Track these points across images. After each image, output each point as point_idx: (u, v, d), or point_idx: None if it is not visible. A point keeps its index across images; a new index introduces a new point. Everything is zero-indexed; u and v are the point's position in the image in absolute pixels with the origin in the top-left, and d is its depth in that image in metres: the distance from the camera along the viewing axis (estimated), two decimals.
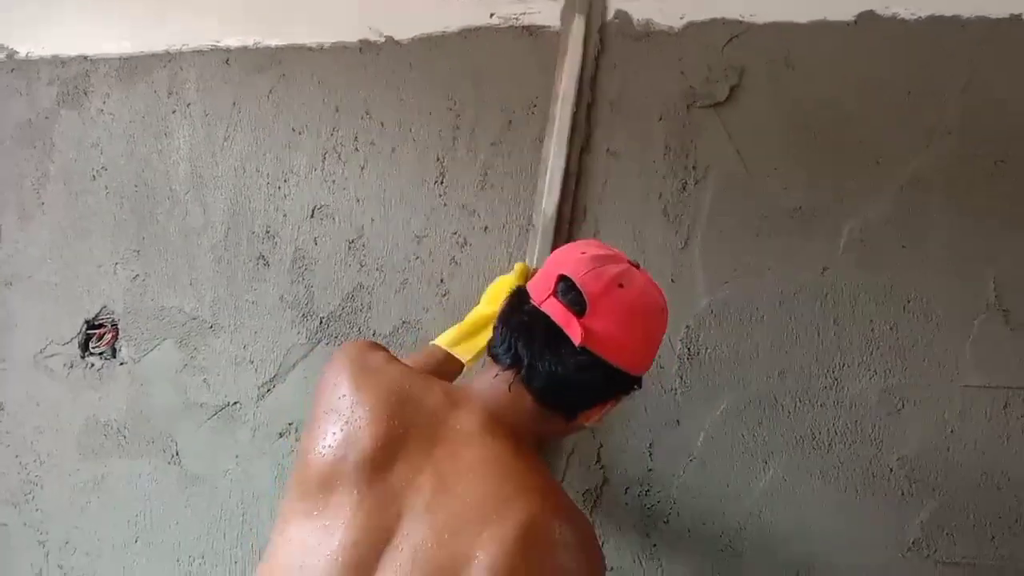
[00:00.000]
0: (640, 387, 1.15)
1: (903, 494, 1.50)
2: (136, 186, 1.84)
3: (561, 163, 1.59)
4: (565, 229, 1.60)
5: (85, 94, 1.89)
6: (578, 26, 1.63)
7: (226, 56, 1.82)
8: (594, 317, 1.04)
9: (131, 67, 1.86)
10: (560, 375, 1.05)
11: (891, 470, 1.50)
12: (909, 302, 1.52)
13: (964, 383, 1.49)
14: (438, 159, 1.71)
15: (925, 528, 1.49)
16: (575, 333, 1.03)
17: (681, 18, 1.63)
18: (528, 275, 1.42)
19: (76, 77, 1.89)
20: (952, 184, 1.51)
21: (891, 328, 1.52)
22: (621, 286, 1.07)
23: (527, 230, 1.63)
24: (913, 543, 1.49)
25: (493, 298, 1.40)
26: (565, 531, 0.99)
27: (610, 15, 1.66)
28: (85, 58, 1.89)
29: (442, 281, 1.68)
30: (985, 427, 1.48)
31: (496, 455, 1.03)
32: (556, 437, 1.21)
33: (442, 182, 1.70)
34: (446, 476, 1.01)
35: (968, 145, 1.51)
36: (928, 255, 1.52)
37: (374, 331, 1.70)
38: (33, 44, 1.92)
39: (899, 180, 1.53)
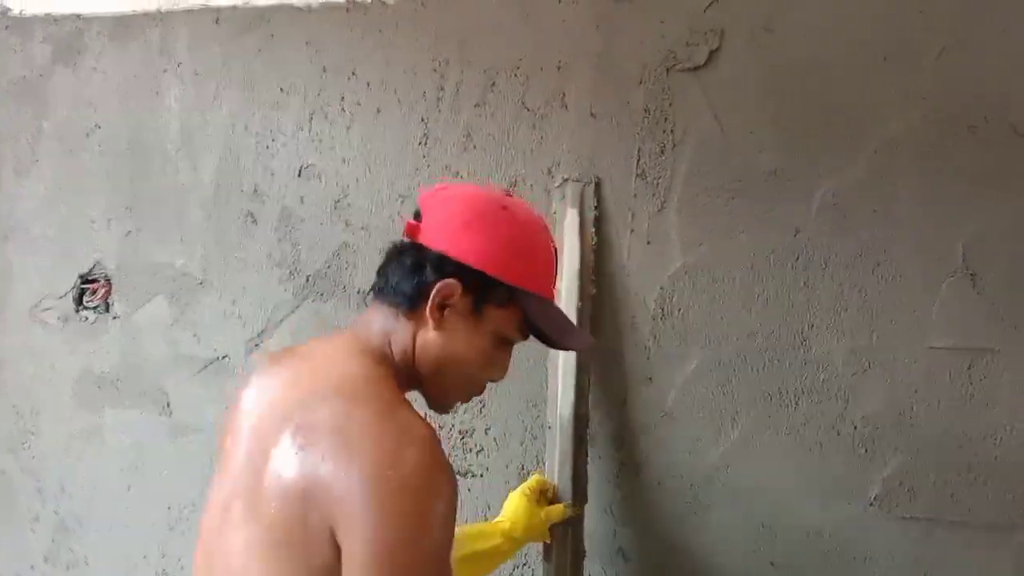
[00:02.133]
0: (500, 286, 1.09)
1: (866, 451, 1.54)
2: (128, 144, 1.88)
3: (573, 358, 1.57)
4: (584, 429, 1.57)
5: (79, 52, 1.91)
6: (572, 218, 1.63)
7: (216, 15, 1.84)
8: (424, 218, 1.12)
9: (123, 26, 1.89)
10: (389, 268, 1.12)
11: (855, 428, 1.55)
12: (879, 265, 1.55)
13: (930, 345, 1.53)
14: (422, 120, 1.74)
15: (887, 484, 1.53)
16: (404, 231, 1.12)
17: None
18: (544, 487, 1.48)
19: (69, 35, 1.92)
20: (924, 149, 1.53)
21: (860, 290, 1.56)
22: (446, 189, 1.16)
23: (543, 430, 1.62)
24: (875, 498, 1.54)
25: (508, 515, 1.41)
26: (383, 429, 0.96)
27: None
28: (78, 16, 1.92)
29: None
30: (948, 388, 1.52)
31: (343, 369, 1.04)
32: (424, 352, 1.10)
33: (426, 143, 1.73)
34: (305, 402, 1.00)
35: (941, 111, 1.53)
36: (899, 219, 1.54)
37: (359, 288, 1.74)
38: (27, 1, 1.94)
39: (872, 144, 1.56)
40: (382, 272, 1.13)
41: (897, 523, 1.53)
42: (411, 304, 1.08)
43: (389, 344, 1.09)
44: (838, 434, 1.55)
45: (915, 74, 1.55)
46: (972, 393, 1.52)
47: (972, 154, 1.52)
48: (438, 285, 1.06)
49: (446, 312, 1.08)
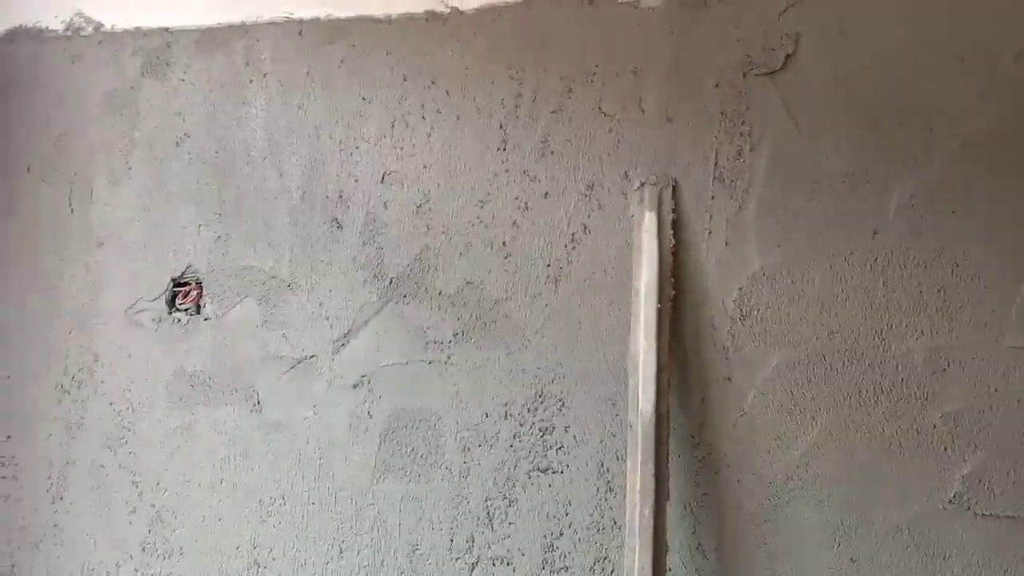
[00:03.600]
0: None
1: (945, 449, 1.56)
2: (216, 152, 1.95)
3: (652, 359, 1.61)
4: (665, 428, 1.61)
5: (167, 64, 1.99)
6: (650, 221, 1.67)
7: (299, 28, 1.91)
8: None
9: (209, 38, 1.97)
10: None
11: (934, 426, 1.57)
12: (957, 266, 1.57)
13: (1008, 344, 1.55)
14: (501, 126, 1.79)
15: (966, 482, 1.56)
16: None
17: None
18: None
19: (158, 48, 2.00)
20: (1000, 150, 1.55)
21: (938, 291, 1.58)
22: None
23: (623, 428, 1.66)
24: (954, 496, 1.56)
25: None
26: None
27: None
28: (166, 30, 2.00)
29: (504, 244, 1.77)
30: None
31: None
32: None
33: (504, 149, 1.78)
34: None
35: (1017, 111, 1.54)
36: (976, 220, 1.56)
37: (440, 290, 1.80)
38: (117, 17, 2.03)
39: (950, 146, 1.57)
40: None
41: (976, 521, 1.55)
42: None
43: None
44: (917, 432, 1.58)
45: (991, 75, 1.56)
46: None
47: None
48: None
49: None
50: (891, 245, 1.60)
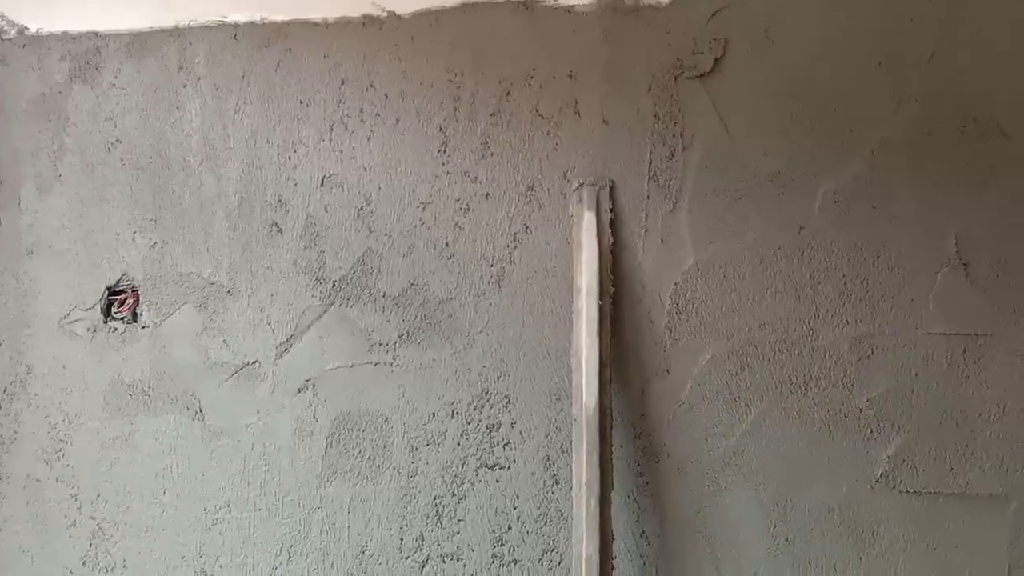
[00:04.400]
0: None
1: (871, 432, 1.66)
2: (151, 157, 1.93)
3: (595, 354, 1.66)
4: (608, 420, 1.66)
5: (97, 69, 1.96)
6: (589, 220, 1.71)
7: (234, 31, 1.90)
8: None
9: (141, 42, 1.94)
10: None
11: (860, 410, 1.66)
12: (879, 258, 1.66)
13: (927, 331, 1.64)
14: (440, 129, 1.81)
15: (891, 462, 1.65)
16: None
17: None
18: None
19: (87, 52, 1.96)
20: (918, 149, 1.65)
21: (862, 282, 1.66)
22: None
23: (567, 422, 1.70)
24: (880, 476, 1.65)
25: None
26: None
27: None
28: (95, 34, 1.96)
29: (447, 245, 1.80)
30: (946, 370, 1.64)
31: None
32: None
33: (444, 151, 1.81)
34: None
35: (934, 111, 1.64)
36: (896, 214, 1.66)
37: (384, 292, 1.82)
38: (43, 21, 1.98)
39: (870, 145, 1.66)
40: None
41: (902, 498, 1.64)
42: None
43: None
44: (845, 417, 1.66)
45: (907, 78, 1.66)
46: (968, 375, 1.64)
47: (962, 152, 1.64)
48: None
49: None
50: (817, 239, 1.68)
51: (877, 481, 1.65)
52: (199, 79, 1.91)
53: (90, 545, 1.92)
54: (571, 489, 1.69)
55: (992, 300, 1.63)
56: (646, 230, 1.73)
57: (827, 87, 1.68)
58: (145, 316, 1.93)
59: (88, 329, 1.95)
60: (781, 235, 1.69)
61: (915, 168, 1.65)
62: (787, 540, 1.68)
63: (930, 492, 1.64)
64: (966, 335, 1.64)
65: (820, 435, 1.67)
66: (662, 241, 1.73)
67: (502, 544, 1.77)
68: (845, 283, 1.67)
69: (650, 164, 1.73)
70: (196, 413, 1.89)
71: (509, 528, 1.76)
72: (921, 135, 1.65)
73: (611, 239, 1.72)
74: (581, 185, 1.75)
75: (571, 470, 1.70)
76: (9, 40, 2.00)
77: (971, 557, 1.63)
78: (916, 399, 1.65)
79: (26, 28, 1.99)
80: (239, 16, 1.90)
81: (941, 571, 1.63)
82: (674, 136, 1.73)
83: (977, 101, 1.63)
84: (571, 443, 1.71)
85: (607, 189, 1.74)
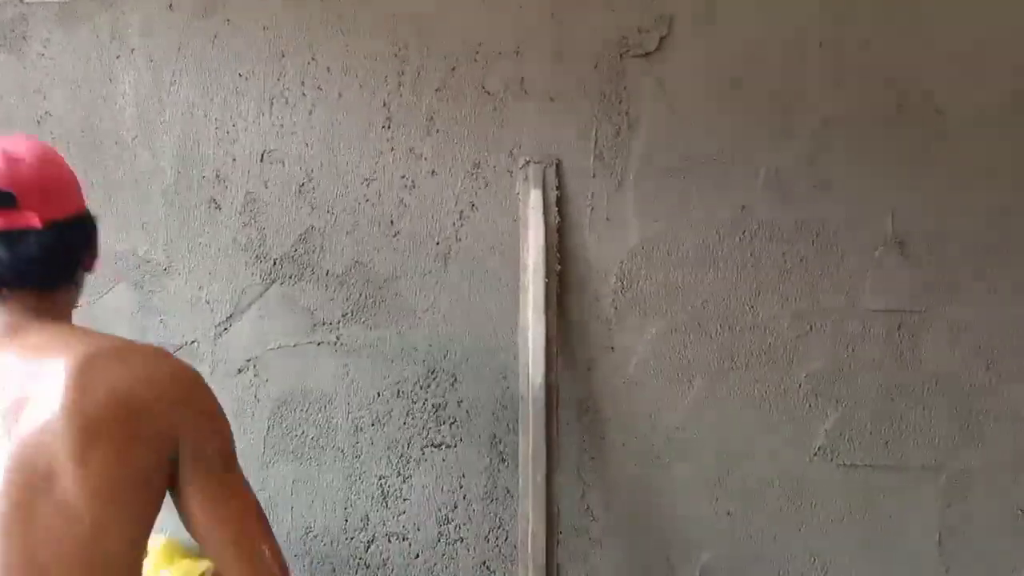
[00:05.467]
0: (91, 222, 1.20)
1: (810, 407, 1.70)
2: (83, 131, 1.85)
3: (541, 332, 1.66)
4: (554, 397, 1.67)
5: (24, 39, 1.87)
6: (536, 198, 1.70)
7: (169, 1, 1.83)
8: (24, 198, 1.06)
9: (70, 11, 1.86)
10: (40, 255, 1.07)
11: (799, 385, 1.70)
12: (817, 236, 1.70)
13: (865, 307, 1.68)
14: (384, 104, 1.78)
15: (829, 436, 1.69)
16: (17, 223, 1.05)
17: None
18: None
19: (12, 20, 1.87)
20: (857, 129, 1.68)
21: (801, 260, 1.70)
22: (16, 160, 1.08)
23: (514, 400, 1.72)
24: (819, 449, 1.70)
25: None
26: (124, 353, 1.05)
27: None
28: (21, 1, 1.87)
29: (392, 223, 1.77)
30: (882, 346, 1.69)
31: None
32: (73, 307, 1.20)
33: (389, 127, 1.78)
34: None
35: (872, 91, 1.68)
36: (835, 194, 1.69)
37: (327, 271, 1.79)
38: None
39: (811, 124, 1.69)
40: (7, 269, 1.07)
41: (839, 470, 1.69)
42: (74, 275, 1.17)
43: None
44: (784, 392, 1.70)
45: (847, 59, 1.69)
46: (902, 351, 1.69)
47: (899, 131, 1.68)
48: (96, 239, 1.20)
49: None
50: (758, 218, 1.71)
51: (815, 455, 1.70)
52: (133, 50, 1.85)
53: None
54: (517, 467, 1.70)
55: (926, 278, 1.67)
56: (592, 208, 1.73)
57: (769, 66, 1.70)
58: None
59: None
60: (724, 213, 1.71)
61: (855, 147, 1.68)
62: (728, 514, 1.71)
63: (867, 465, 1.69)
64: (901, 311, 1.68)
65: (760, 410, 1.71)
66: (608, 219, 1.73)
67: (448, 523, 1.77)
68: (785, 260, 1.70)
69: (596, 142, 1.73)
70: None
71: (455, 507, 1.76)
72: (860, 114, 1.68)
73: (557, 217, 1.72)
74: (527, 163, 1.74)
75: (518, 448, 1.70)
76: None
77: (905, 526, 1.69)
78: (853, 374, 1.69)
79: None
80: None
81: (877, 540, 1.69)
82: (619, 114, 1.73)
83: (913, 80, 1.67)
84: (518, 421, 1.71)
85: (553, 167, 1.73)
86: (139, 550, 1.03)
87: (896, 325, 1.68)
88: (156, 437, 1.02)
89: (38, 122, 1.86)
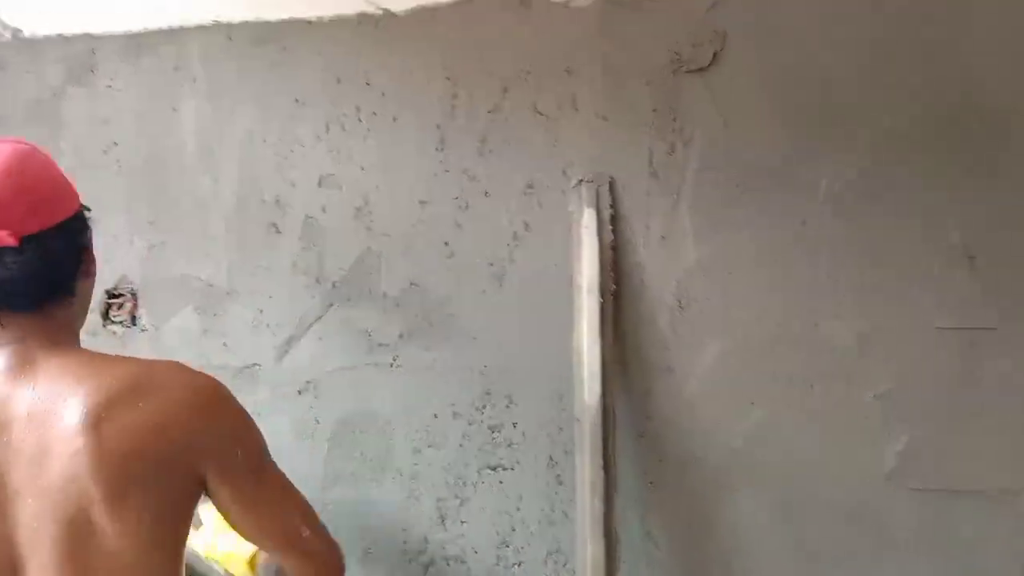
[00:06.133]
0: (86, 209, 1.15)
1: (879, 428, 1.63)
2: (147, 160, 1.91)
3: (596, 353, 1.64)
4: (611, 420, 1.64)
5: (92, 71, 1.94)
6: (589, 217, 1.69)
7: (228, 31, 1.88)
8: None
9: (136, 44, 1.92)
10: (21, 275, 1.01)
11: (867, 406, 1.63)
12: (882, 251, 1.64)
13: (934, 325, 1.62)
14: (438, 127, 1.79)
15: (900, 458, 1.63)
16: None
17: None
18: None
19: (81, 55, 1.95)
20: (920, 139, 1.62)
21: (865, 276, 1.64)
22: None
23: (570, 423, 1.70)
24: (890, 473, 1.63)
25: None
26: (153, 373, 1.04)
27: None
28: (90, 36, 1.94)
29: (446, 244, 1.78)
30: (954, 364, 1.61)
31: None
32: (81, 322, 1.17)
33: (442, 149, 1.79)
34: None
35: (937, 101, 1.62)
36: (899, 207, 1.63)
37: (384, 292, 1.80)
38: (38, 24, 1.96)
39: (872, 136, 1.64)
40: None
41: (911, 495, 1.62)
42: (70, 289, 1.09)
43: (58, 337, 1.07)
44: (851, 413, 1.64)
45: (909, 68, 1.63)
46: (974, 369, 1.61)
47: (966, 143, 1.61)
48: (85, 248, 1.13)
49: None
50: (820, 233, 1.65)
51: (886, 478, 1.63)
52: (194, 80, 1.90)
53: None
54: (575, 490, 1.68)
55: (998, 293, 1.60)
56: (647, 227, 1.71)
57: (828, 78, 1.65)
58: (144, 319, 1.91)
59: (87, 332, 1.91)
60: (784, 230, 1.67)
61: (917, 158, 1.62)
62: (796, 540, 1.66)
63: (941, 489, 1.62)
64: (973, 329, 1.61)
65: (826, 433, 1.65)
66: (663, 237, 1.70)
67: (506, 546, 1.75)
68: (849, 277, 1.65)
69: (650, 160, 1.71)
70: None
71: (513, 530, 1.75)
72: (924, 126, 1.62)
73: (612, 236, 1.70)
74: (580, 182, 1.72)
75: (575, 471, 1.68)
76: (4, 43, 1.99)
77: (985, 553, 1.60)
78: (923, 394, 1.62)
79: (20, 31, 1.98)
80: (233, 16, 1.87)
81: (954, 569, 1.61)
82: (673, 131, 1.70)
83: (981, 90, 1.60)
84: (574, 443, 1.69)
85: (607, 186, 1.72)
86: (180, 554, 1.04)
87: (968, 342, 1.61)
88: (184, 466, 1.01)
89: (104, 151, 1.93)
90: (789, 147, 1.67)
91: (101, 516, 0.96)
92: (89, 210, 1.16)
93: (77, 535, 0.96)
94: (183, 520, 1.04)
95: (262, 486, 1.11)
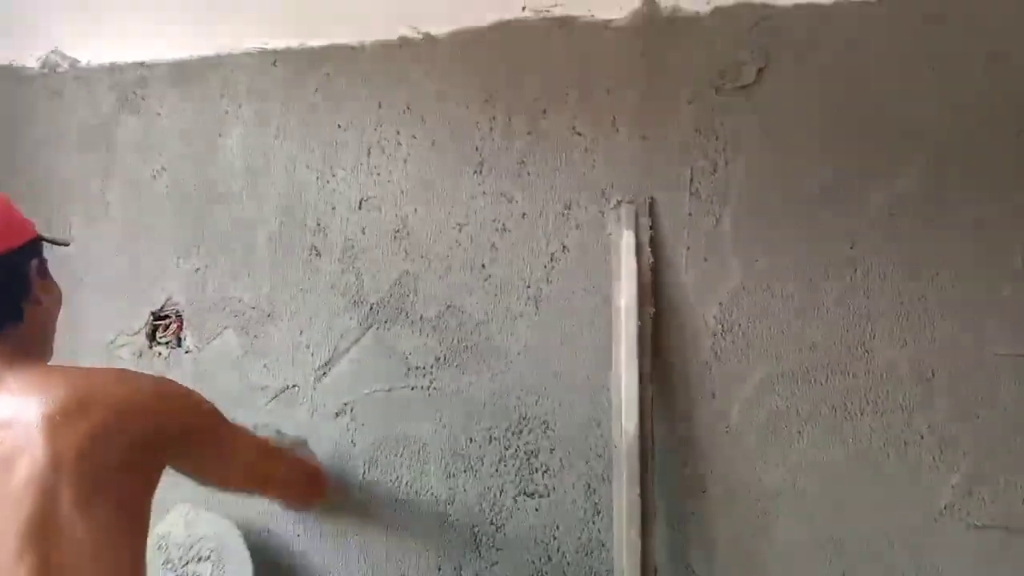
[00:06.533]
0: (54, 241, 1.37)
1: (934, 460, 1.54)
2: (194, 184, 1.95)
3: (635, 377, 1.59)
4: (650, 447, 1.59)
5: (143, 99, 1.99)
6: (628, 239, 1.66)
7: (273, 58, 1.91)
8: None
9: (184, 71, 1.97)
10: None
11: (922, 437, 1.55)
12: (937, 273, 1.56)
13: (993, 351, 1.53)
14: (476, 149, 1.78)
15: (957, 492, 1.53)
16: None
17: (708, 3, 1.68)
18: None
19: (133, 82, 2.00)
20: (976, 156, 1.55)
21: (920, 299, 1.56)
22: None
23: (608, 448, 1.66)
24: (945, 507, 1.54)
25: None
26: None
27: (638, 2, 1.71)
28: (141, 64, 2.00)
29: (483, 266, 1.76)
30: (1014, 393, 1.52)
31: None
32: (42, 342, 1.32)
33: (480, 172, 1.78)
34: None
35: (991, 116, 1.54)
36: (955, 226, 1.55)
37: (421, 315, 1.79)
38: (93, 53, 2.03)
39: (924, 154, 1.57)
40: None
41: (969, 532, 1.53)
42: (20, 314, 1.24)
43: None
44: (905, 444, 1.56)
45: (961, 82, 1.56)
46: None
47: (1022, 159, 1.53)
48: (29, 275, 1.26)
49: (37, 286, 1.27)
50: (869, 255, 1.59)
51: (941, 513, 1.54)
52: (240, 106, 1.93)
53: None
54: (612, 519, 1.62)
55: None
56: (688, 248, 1.67)
57: (877, 95, 1.59)
58: (188, 341, 1.94)
59: (134, 354, 1.97)
60: (832, 251, 1.60)
61: (973, 175, 1.55)
62: (843, 575, 1.57)
63: (1001, 526, 1.52)
64: None
65: (878, 463, 1.57)
66: (705, 259, 1.66)
67: (542, 575, 1.70)
68: (902, 301, 1.57)
69: (691, 180, 1.67)
70: None
71: (549, 559, 1.70)
72: (979, 142, 1.55)
73: (651, 258, 1.66)
74: (619, 203, 1.69)
75: (612, 498, 1.63)
76: (62, 73, 2.06)
77: None
78: (982, 425, 1.53)
79: (77, 61, 2.05)
80: (278, 43, 1.91)
81: None
82: (716, 150, 1.66)
83: None
84: (612, 470, 1.64)
85: (647, 206, 1.68)
86: (142, 542, 1.14)
87: None
88: (141, 462, 1.14)
89: (154, 176, 1.97)
90: (836, 165, 1.61)
91: (66, 514, 1.04)
92: (66, 243, 1.44)
93: (40, 532, 1.04)
94: (144, 510, 1.15)
95: (218, 448, 1.33)
